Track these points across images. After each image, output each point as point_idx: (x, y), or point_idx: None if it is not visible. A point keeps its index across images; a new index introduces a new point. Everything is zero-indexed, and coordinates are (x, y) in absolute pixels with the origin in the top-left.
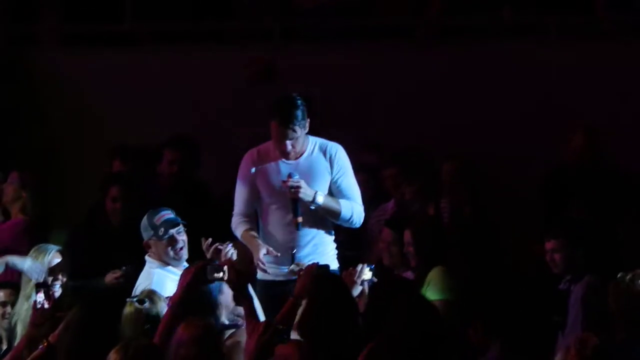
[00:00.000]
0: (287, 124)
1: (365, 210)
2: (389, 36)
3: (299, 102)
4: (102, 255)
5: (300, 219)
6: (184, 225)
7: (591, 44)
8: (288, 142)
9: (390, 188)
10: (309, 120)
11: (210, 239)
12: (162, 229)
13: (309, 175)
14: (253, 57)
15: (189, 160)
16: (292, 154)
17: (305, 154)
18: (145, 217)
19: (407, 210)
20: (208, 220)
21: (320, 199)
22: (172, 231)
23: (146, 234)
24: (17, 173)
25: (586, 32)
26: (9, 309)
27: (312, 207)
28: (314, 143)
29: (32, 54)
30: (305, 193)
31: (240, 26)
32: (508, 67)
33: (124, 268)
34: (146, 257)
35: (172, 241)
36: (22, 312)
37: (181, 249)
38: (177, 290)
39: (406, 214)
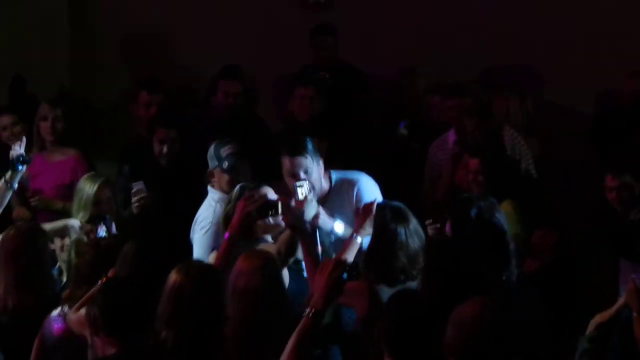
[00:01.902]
0: (297, 153)
1: None
2: None
3: (308, 138)
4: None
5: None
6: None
7: None
8: (302, 176)
9: (452, 118)
10: (322, 159)
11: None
12: (227, 162)
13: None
14: None
15: (245, 92)
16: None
17: (327, 196)
18: (212, 147)
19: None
20: (263, 154)
21: (340, 229)
22: (237, 166)
23: (211, 163)
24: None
25: None
26: (67, 240)
27: (332, 238)
28: (334, 180)
29: None
30: (324, 221)
31: None
32: None
33: (133, 189)
34: (208, 187)
35: (236, 175)
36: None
37: None
38: (234, 219)
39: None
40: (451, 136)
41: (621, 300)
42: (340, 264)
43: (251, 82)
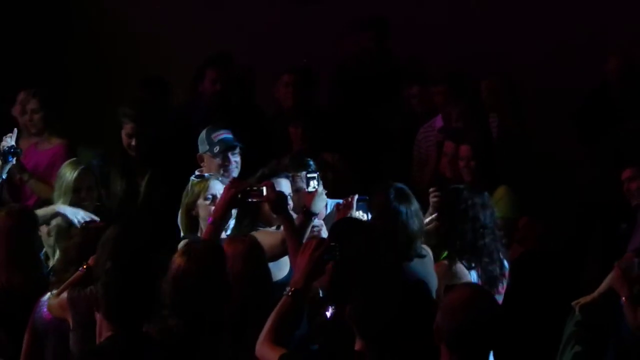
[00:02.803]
0: (301, 169)
1: None
2: None
3: (311, 161)
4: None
5: None
6: (241, 148)
7: None
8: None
9: (439, 104)
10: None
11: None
12: (217, 147)
13: None
14: None
15: (235, 78)
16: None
17: (325, 215)
18: (204, 131)
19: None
20: (255, 141)
21: None
22: (227, 152)
23: (201, 147)
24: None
25: None
26: (53, 225)
27: None
28: (330, 205)
29: None
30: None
31: None
32: None
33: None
34: (196, 171)
35: (225, 161)
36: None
37: (232, 170)
38: (217, 205)
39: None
40: (438, 122)
41: (604, 285)
42: (322, 244)
43: (248, 71)
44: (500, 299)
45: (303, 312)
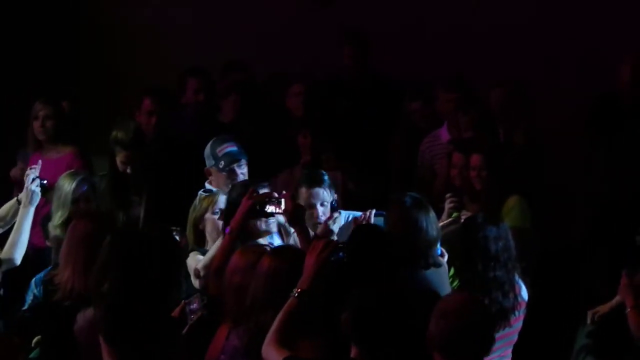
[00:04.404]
0: (315, 184)
1: None
2: None
3: (324, 172)
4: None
5: None
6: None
7: None
8: (319, 208)
9: (448, 112)
10: (336, 195)
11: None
12: (223, 162)
13: None
14: None
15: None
16: (323, 225)
17: (337, 228)
18: (209, 144)
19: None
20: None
21: None
22: (233, 165)
23: (208, 161)
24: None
25: None
26: None
27: None
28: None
29: None
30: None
31: None
32: None
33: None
34: (206, 184)
35: (232, 174)
36: None
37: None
38: (235, 217)
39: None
40: (443, 132)
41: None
42: (330, 244)
43: (247, 75)
44: (512, 330)
45: (310, 313)
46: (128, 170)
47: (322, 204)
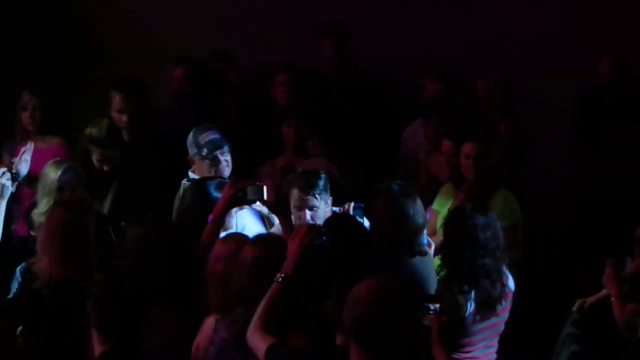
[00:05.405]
0: (308, 190)
1: None
2: None
3: (323, 176)
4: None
5: None
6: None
7: None
8: (307, 212)
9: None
10: (331, 198)
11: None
12: (206, 150)
13: None
14: None
15: (199, 75)
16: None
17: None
18: (191, 133)
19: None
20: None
21: None
22: (216, 152)
23: (190, 150)
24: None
25: None
26: None
27: None
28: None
29: None
30: None
31: None
32: None
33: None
34: (189, 172)
35: (215, 162)
36: None
37: (223, 169)
38: (217, 206)
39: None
40: None
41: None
42: (312, 229)
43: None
44: (498, 320)
45: (293, 298)
46: (105, 168)
47: (311, 209)
